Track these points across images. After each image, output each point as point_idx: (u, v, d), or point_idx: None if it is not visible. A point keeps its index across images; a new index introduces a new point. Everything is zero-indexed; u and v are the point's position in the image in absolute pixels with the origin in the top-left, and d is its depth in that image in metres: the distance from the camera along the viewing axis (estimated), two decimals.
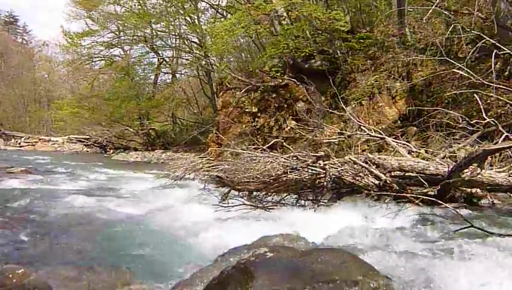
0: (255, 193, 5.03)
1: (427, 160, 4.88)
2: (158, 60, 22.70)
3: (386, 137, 5.71)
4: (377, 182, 4.52)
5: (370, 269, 2.02)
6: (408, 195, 4.10)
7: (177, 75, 23.19)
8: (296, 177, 4.76)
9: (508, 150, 4.44)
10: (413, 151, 5.37)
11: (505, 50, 5.70)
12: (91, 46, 21.63)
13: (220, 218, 4.17)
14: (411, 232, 3.34)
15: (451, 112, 6.33)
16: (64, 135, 29.18)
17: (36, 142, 28.03)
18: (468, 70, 5.62)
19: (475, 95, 5.41)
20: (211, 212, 4.34)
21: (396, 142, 5.64)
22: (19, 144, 27.73)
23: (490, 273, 2.21)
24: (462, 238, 2.90)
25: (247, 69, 12.83)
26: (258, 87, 11.38)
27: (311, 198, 4.71)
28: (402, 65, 8.76)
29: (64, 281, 2.41)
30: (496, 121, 4.80)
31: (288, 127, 10.37)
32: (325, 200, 4.72)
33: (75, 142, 26.28)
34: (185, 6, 17.83)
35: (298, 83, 10.66)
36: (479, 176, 3.94)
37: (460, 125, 5.90)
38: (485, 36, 5.96)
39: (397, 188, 4.34)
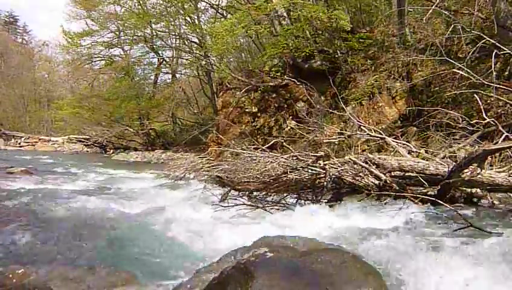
0: (255, 193, 5.03)
1: (427, 160, 4.87)
2: (158, 60, 22.73)
3: (386, 137, 5.71)
4: (377, 182, 4.52)
5: (370, 269, 2.02)
6: (408, 195, 4.10)
7: (177, 75, 23.20)
8: (296, 177, 4.76)
9: (508, 150, 4.44)
10: (413, 151, 5.37)
11: (505, 50, 5.70)
12: (91, 46, 21.68)
13: (220, 218, 4.17)
14: (411, 232, 3.33)
15: (451, 112, 6.33)
16: (64, 135, 29.20)
17: (36, 142, 28.03)
18: (468, 70, 5.62)
19: (475, 95, 5.40)
20: (211, 212, 4.35)
21: (396, 142, 5.64)
22: (19, 144, 27.73)
23: (490, 273, 2.21)
24: (462, 238, 2.90)
25: (247, 69, 12.82)
26: (258, 87, 11.37)
27: (311, 198, 4.71)
28: (402, 65, 8.76)
29: (64, 281, 2.41)
30: (496, 121, 4.80)
31: (288, 127, 10.36)
32: (325, 200, 4.72)
33: (75, 142, 26.29)
34: (185, 6, 17.83)
35: (298, 83, 10.66)
36: (479, 176, 3.93)
37: (460, 125, 5.90)
38: (485, 36, 5.96)
39: (397, 188, 4.34)
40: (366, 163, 4.70)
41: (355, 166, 4.76)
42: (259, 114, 11.40)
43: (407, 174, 4.56)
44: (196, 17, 18.57)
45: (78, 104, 23.44)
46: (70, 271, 2.57)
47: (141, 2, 19.52)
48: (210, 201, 5.03)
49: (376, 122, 8.35)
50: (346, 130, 7.45)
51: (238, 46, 14.56)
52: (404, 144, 5.60)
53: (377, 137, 5.86)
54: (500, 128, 4.62)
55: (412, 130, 7.86)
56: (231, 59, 15.65)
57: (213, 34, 12.34)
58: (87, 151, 24.66)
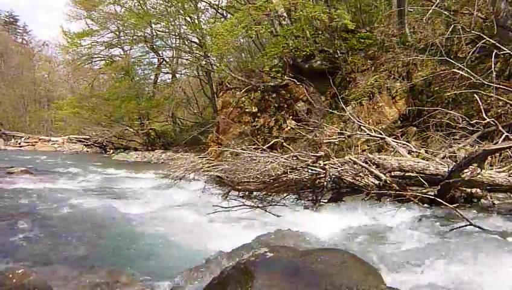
0: (255, 193, 5.03)
1: (427, 160, 4.87)
2: (158, 60, 22.73)
3: (386, 137, 5.70)
4: (377, 182, 4.52)
5: (370, 269, 2.02)
6: (408, 195, 4.10)
7: (177, 75, 23.20)
8: (296, 177, 4.76)
9: (508, 150, 4.44)
10: (413, 151, 5.37)
11: (505, 50, 5.70)
12: (91, 46, 21.68)
13: (220, 218, 4.17)
14: (411, 232, 3.33)
15: (451, 112, 6.33)
16: (64, 135, 29.22)
17: (36, 142, 28.04)
18: (468, 71, 5.62)
19: (475, 95, 5.40)
20: (210, 212, 4.34)
21: (396, 142, 5.63)
22: (19, 144, 27.74)
23: (490, 273, 2.21)
24: (462, 238, 2.90)
25: (247, 69, 12.82)
26: (258, 87, 11.37)
27: (311, 198, 4.71)
28: (402, 65, 8.76)
29: (64, 281, 2.41)
30: (496, 121, 4.80)
31: (288, 127, 10.37)
32: (325, 200, 4.72)
33: (75, 142, 26.30)
34: (185, 6, 17.83)
35: (298, 83, 10.66)
36: (479, 176, 3.93)
37: (460, 125, 5.90)
38: (485, 36, 5.96)
39: (397, 188, 4.34)
40: (366, 163, 4.70)
41: (355, 166, 4.75)
42: (259, 114, 11.40)
43: (407, 174, 4.56)
44: (196, 17, 18.56)
45: (78, 104, 23.44)
46: (70, 271, 2.57)
47: (141, 2, 19.51)
48: (210, 201, 5.03)
49: (376, 122, 8.35)
50: (346, 130, 7.45)
51: (238, 46, 14.57)
52: (404, 144, 5.60)
53: (377, 137, 5.86)
54: (500, 128, 4.63)
55: (412, 130, 7.86)
56: (231, 59, 15.65)
57: (213, 34, 12.35)
58: (87, 151, 24.66)
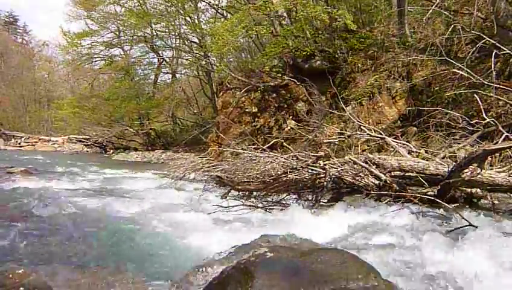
0: (255, 193, 5.02)
1: (427, 160, 4.88)
2: (158, 60, 22.75)
3: (386, 137, 5.71)
4: (377, 182, 4.52)
5: (370, 269, 2.02)
6: (408, 195, 4.09)
7: (177, 75, 23.23)
8: (296, 177, 4.76)
9: (508, 150, 4.44)
10: (413, 151, 5.37)
11: (505, 50, 5.70)
12: (91, 46, 21.71)
13: (220, 218, 4.17)
14: (411, 232, 3.33)
15: (451, 112, 6.33)
16: (64, 135, 29.22)
17: (36, 142, 28.04)
18: (468, 71, 5.62)
19: (475, 95, 5.41)
20: (210, 212, 4.34)
21: (396, 142, 5.64)
22: (19, 144, 27.74)
23: (490, 273, 2.21)
24: (462, 238, 2.90)
25: (247, 69, 12.83)
26: (258, 87, 11.38)
27: (311, 198, 4.71)
28: (402, 65, 8.77)
29: (64, 281, 2.41)
30: (496, 121, 4.80)
31: (288, 127, 10.37)
32: (325, 200, 4.72)
33: (75, 142, 26.30)
34: (185, 6, 17.83)
35: (298, 83, 10.67)
36: (479, 176, 3.93)
37: (460, 125, 5.90)
38: (485, 36, 5.96)
39: (397, 188, 4.34)
40: (366, 163, 4.70)
41: (355, 166, 4.76)
42: (259, 114, 11.40)
43: (407, 174, 4.56)
44: (196, 17, 18.58)
45: (78, 104, 23.46)
46: (70, 271, 2.57)
47: (141, 2, 19.52)
48: (210, 201, 5.02)
49: (376, 122, 8.36)
50: (346, 130, 7.45)
51: (238, 46, 14.57)
52: (404, 144, 5.60)
53: (377, 137, 5.86)
54: (500, 128, 4.63)
55: (412, 130, 7.86)
56: (231, 59, 15.66)
57: (213, 34, 12.36)
58: (87, 151, 24.65)
